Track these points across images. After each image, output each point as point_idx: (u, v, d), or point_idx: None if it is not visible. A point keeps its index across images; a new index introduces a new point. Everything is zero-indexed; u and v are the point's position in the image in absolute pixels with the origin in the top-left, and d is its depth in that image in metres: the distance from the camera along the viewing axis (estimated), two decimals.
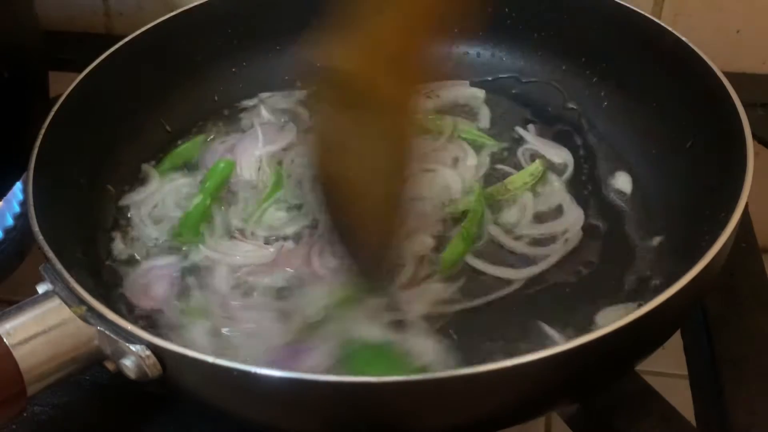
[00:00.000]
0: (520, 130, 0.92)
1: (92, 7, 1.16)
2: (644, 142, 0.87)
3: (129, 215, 0.84)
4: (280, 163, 0.90)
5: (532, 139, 0.91)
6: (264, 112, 0.96)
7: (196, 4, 0.94)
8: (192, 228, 0.83)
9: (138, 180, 0.88)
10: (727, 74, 0.79)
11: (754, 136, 0.91)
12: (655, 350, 0.67)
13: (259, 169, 0.90)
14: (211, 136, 0.94)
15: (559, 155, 0.89)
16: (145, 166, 0.89)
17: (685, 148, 0.81)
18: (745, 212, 0.85)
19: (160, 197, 0.86)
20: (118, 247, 0.81)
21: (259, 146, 0.91)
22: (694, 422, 0.68)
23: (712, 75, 0.79)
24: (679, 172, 0.81)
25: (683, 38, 0.83)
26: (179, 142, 0.92)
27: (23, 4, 0.92)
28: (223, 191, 0.87)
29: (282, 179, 0.88)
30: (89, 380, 0.70)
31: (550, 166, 0.88)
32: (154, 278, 0.78)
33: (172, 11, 0.93)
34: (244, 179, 0.89)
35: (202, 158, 0.92)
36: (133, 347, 0.60)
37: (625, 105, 0.90)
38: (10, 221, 0.88)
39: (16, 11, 0.90)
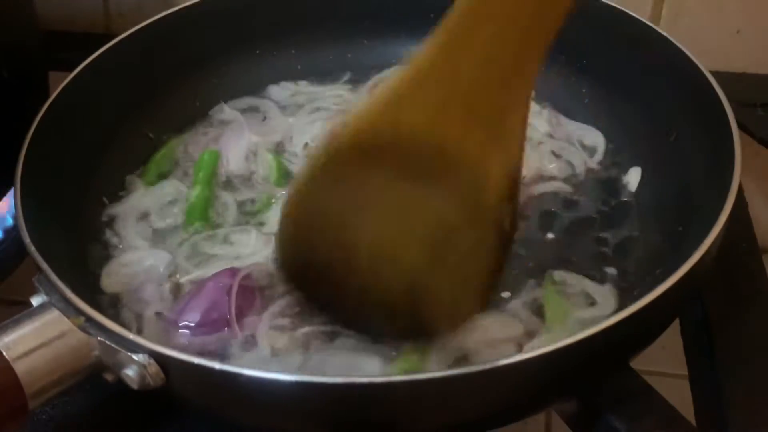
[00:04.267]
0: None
1: (92, 7, 1.16)
2: (629, 138, 0.88)
3: (115, 226, 0.84)
4: (277, 153, 0.91)
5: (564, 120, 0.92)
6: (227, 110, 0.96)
7: (173, 10, 0.94)
8: (201, 215, 0.83)
9: (124, 189, 0.88)
10: (727, 74, 0.79)
11: (754, 137, 0.92)
12: (650, 344, 0.68)
13: (246, 159, 0.90)
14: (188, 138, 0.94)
15: (590, 137, 0.90)
16: (129, 177, 0.88)
17: (669, 142, 0.82)
18: (745, 212, 0.86)
19: (147, 206, 0.86)
20: (110, 255, 0.81)
21: (245, 137, 0.91)
22: (694, 422, 0.67)
23: (695, 70, 0.79)
24: (666, 166, 0.82)
25: (664, 33, 0.84)
26: (160, 147, 0.92)
27: (23, 4, 0.92)
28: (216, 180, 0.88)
29: (284, 171, 0.88)
30: (90, 380, 0.70)
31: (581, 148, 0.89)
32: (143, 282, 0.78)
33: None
34: (230, 170, 0.89)
35: (185, 152, 0.92)
36: (135, 356, 0.59)
37: (607, 101, 0.91)
38: (9, 221, 0.88)
39: (16, 11, 0.90)
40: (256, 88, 1.00)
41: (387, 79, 0.56)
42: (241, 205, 0.86)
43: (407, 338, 0.64)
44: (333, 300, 0.65)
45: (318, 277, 0.64)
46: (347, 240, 0.60)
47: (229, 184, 0.88)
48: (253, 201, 0.86)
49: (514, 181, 0.59)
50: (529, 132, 0.88)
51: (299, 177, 0.62)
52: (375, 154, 0.57)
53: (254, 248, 0.80)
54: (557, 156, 0.89)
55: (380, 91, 0.58)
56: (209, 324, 0.71)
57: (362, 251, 0.60)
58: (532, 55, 0.56)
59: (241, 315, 0.72)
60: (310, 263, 0.63)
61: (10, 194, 0.87)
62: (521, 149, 0.58)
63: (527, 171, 0.84)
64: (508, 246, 0.62)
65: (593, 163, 0.88)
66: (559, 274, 0.76)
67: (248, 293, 0.74)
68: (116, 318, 0.75)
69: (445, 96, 0.56)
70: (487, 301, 0.63)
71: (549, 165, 0.87)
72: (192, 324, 0.71)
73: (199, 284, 0.75)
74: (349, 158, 0.58)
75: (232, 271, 0.75)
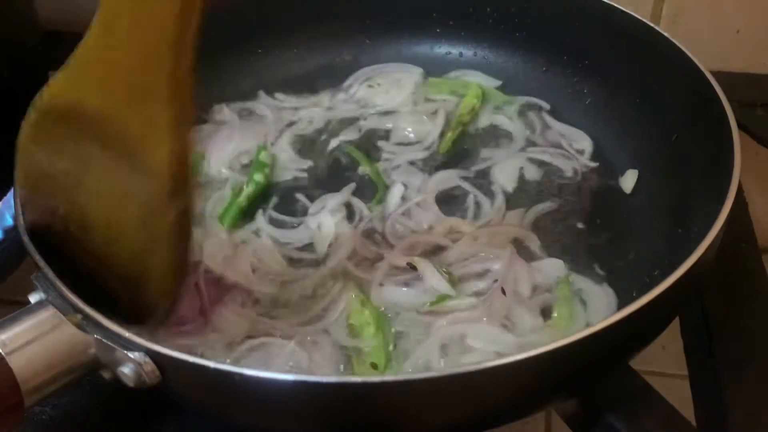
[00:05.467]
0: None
1: (92, 7, 1.16)
2: (630, 138, 0.88)
3: None
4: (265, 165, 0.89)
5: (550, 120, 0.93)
6: (227, 111, 0.96)
7: None
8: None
9: None
10: (727, 74, 0.79)
11: (754, 137, 0.92)
12: (650, 344, 0.67)
13: (230, 166, 0.90)
14: None
15: (578, 139, 0.91)
16: None
17: (671, 143, 0.82)
18: (745, 212, 0.86)
19: None
20: None
21: (232, 143, 0.91)
22: (694, 422, 0.67)
23: (695, 70, 0.80)
24: (666, 167, 0.82)
25: (665, 33, 0.84)
26: None
27: (23, 4, 0.92)
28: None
29: (269, 181, 0.88)
30: (89, 379, 0.70)
31: (570, 150, 0.90)
32: None
33: None
34: (211, 174, 0.89)
35: None
36: (131, 354, 0.59)
37: (608, 101, 0.91)
38: (9, 221, 0.88)
39: (16, 11, 0.90)
40: (258, 88, 0.99)
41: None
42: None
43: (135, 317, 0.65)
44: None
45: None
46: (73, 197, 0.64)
47: (204, 186, 0.88)
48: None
49: (183, 163, 0.61)
50: (516, 139, 0.91)
51: (25, 125, 0.65)
52: (69, 122, 0.61)
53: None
54: (546, 163, 0.89)
55: (71, 58, 0.63)
56: (189, 318, 0.74)
57: (85, 212, 0.64)
58: (173, 52, 0.60)
59: (213, 303, 0.75)
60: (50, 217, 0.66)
61: (10, 193, 0.87)
62: (187, 130, 0.62)
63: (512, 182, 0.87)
64: (187, 222, 0.64)
65: (587, 165, 0.88)
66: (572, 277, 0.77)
67: (213, 282, 0.77)
68: None
69: (106, 75, 0.61)
70: (186, 269, 0.66)
71: (537, 171, 0.88)
72: (175, 321, 0.73)
73: None
74: (53, 120, 0.63)
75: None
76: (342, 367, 0.71)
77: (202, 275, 0.76)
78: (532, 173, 0.88)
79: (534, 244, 0.80)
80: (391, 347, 0.71)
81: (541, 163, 0.89)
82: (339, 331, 0.73)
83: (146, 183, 0.60)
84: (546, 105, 0.95)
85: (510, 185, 0.87)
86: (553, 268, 0.77)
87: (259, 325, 0.74)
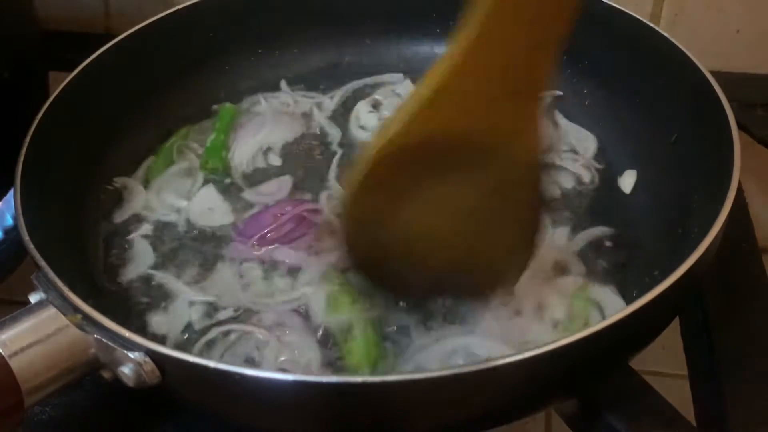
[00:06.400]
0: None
1: (92, 7, 1.16)
2: (629, 139, 0.88)
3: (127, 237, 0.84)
4: None
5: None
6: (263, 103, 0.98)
7: (173, 10, 0.94)
8: (216, 156, 0.90)
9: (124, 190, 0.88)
10: (727, 74, 0.79)
11: (754, 137, 0.92)
12: (650, 344, 0.67)
13: (253, 158, 0.91)
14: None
15: (583, 139, 0.91)
16: (125, 180, 0.89)
17: (670, 143, 0.82)
18: (745, 212, 0.86)
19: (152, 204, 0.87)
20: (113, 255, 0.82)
21: (259, 135, 0.92)
22: (694, 422, 0.67)
23: (695, 70, 0.80)
24: (666, 167, 0.82)
25: (665, 33, 0.84)
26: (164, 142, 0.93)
27: (23, 4, 0.92)
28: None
29: None
30: (89, 379, 0.70)
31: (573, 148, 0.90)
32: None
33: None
34: (233, 164, 0.90)
35: (187, 147, 0.92)
36: (131, 354, 0.59)
37: (607, 102, 0.91)
38: (9, 221, 0.88)
39: (16, 11, 0.90)
40: (259, 88, 0.99)
41: (419, 83, 0.60)
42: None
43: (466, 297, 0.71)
44: (397, 282, 0.70)
45: (381, 264, 0.68)
46: (401, 234, 0.65)
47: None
48: None
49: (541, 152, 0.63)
50: None
51: (352, 178, 0.64)
52: (414, 154, 0.60)
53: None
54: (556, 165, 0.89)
55: (411, 95, 0.61)
56: (263, 239, 0.80)
57: (417, 243, 0.65)
58: (549, 42, 0.57)
59: (291, 239, 0.80)
60: (372, 253, 0.68)
61: (10, 193, 0.87)
62: (541, 123, 0.62)
63: None
64: (541, 206, 0.67)
65: (588, 165, 0.88)
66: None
67: (304, 224, 0.80)
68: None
69: (474, 91, 0.58)
70: (535, 249, 0.68)
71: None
72: (252, 237, 0.80)
73: (265, 206, 0.84)
74: (390, 162, 0.61)
75: (296, 202, 0.83)
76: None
77: (293, 211, 0.80)
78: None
79: (576, 269, 0.77)
80: (378, 351, 0.71)
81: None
82: (317, 315, 0.73)
83: (497, 179, 0.61)
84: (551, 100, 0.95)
85: None
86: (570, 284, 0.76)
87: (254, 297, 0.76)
